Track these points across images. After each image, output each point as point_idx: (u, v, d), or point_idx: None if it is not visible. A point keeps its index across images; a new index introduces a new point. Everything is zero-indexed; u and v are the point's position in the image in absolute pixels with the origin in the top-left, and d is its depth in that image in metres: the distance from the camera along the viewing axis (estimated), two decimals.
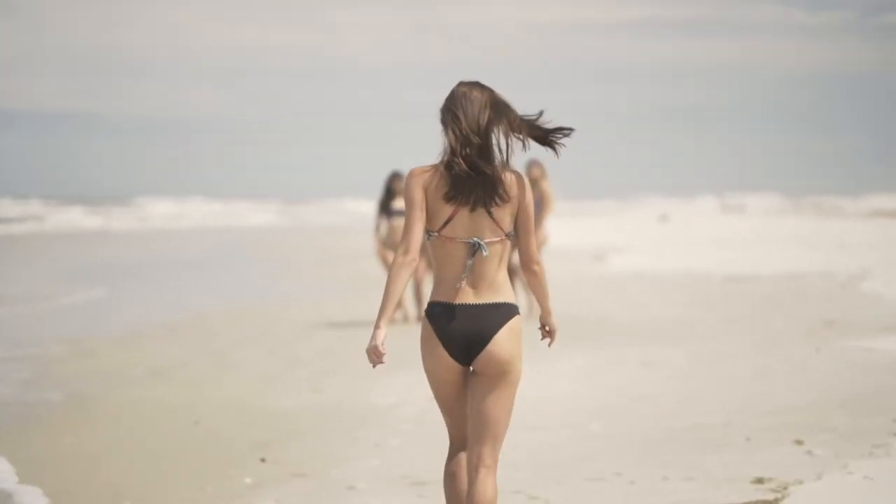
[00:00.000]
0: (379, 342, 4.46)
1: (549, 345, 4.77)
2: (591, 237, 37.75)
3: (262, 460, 7.57)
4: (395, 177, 15.34)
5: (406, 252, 4.48)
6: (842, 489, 6.36)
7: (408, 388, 9.96)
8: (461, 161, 4.46)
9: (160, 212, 65.74)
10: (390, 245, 15.28)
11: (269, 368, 11.45)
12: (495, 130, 4.50)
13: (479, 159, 4.46)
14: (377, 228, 15.38)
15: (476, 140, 4.47)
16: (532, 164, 15.01)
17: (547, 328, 4.69)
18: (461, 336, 4.48)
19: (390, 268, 4.50)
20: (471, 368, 4.55)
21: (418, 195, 4.48)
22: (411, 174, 4.52)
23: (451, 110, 4.52)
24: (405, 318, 14.80)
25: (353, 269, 24.25)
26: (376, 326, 4.47)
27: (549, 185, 15.07)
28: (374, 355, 4.48)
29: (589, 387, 9.81)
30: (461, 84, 4.57)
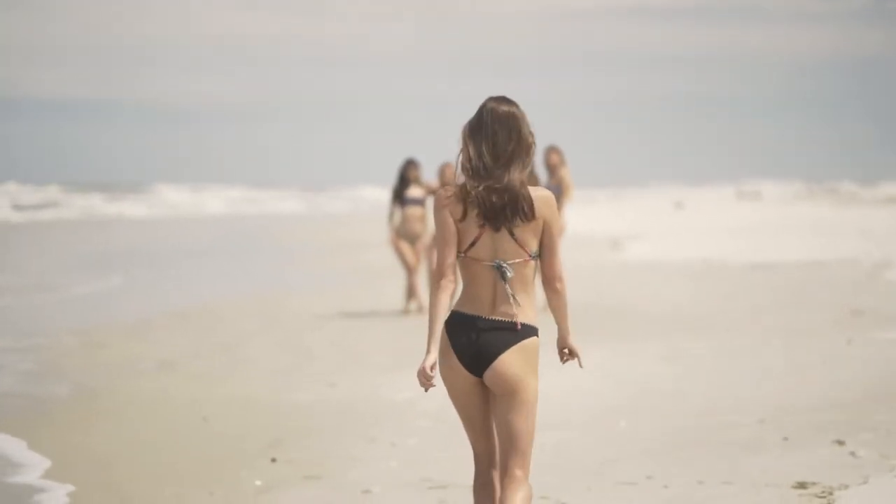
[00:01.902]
0: (427, 366, 4.55)
1: (580, 365, 4.77)
2: (606, 224, 37.33)
3: (273, 460, 7.22)
4: (409, 164, 14.96)
5: (441, 277, 4.56)
6: (891, 493, 5.99)
7: None
8: (481, 179, 4.49)
9: (177, 199, 65.46)
10: (404, 234, 14.91)
11: (281, 361, 11.11)
12: (518, 150, 4.53)
13: (499, 177, 4.49)
14: (391, 217, 15.00)
15: (497, 160, 4.51)
16: (550, 151, 14.63)
17: (567, 351, 4.73)
18: (472, 347, 4.53)
19: (430, 295, 4.59)
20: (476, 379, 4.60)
21: (447, 221, 4.54)
22: (438, 200, 4.56)
23: (475, 128, 4.54)
24: (419, 309, 14.46)
25: (363, 259, 23.92)
26: (427, 351, 4.57)
27: (567, 173, 14.68)
28: (423, 377, 4.57)
29: (613, 382, 9.41)
30: (489, 100, 4.58)
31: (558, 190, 14.39)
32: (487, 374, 4.51)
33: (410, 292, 14.77)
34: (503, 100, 4.60)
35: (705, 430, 7.51)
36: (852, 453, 6.76)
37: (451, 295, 4.56)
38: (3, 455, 7.60)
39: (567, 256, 19.01)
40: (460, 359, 4.53)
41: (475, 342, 4.51)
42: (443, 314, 4.56)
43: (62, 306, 16.07)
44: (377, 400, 9.03)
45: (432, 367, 4.53)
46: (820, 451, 6.86)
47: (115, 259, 24.35)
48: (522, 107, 4.63)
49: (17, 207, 49.16)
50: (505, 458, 4.57)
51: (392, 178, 15.03)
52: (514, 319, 4.50)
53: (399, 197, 14.95)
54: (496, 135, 4.52)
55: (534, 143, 4.59)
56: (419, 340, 13.11)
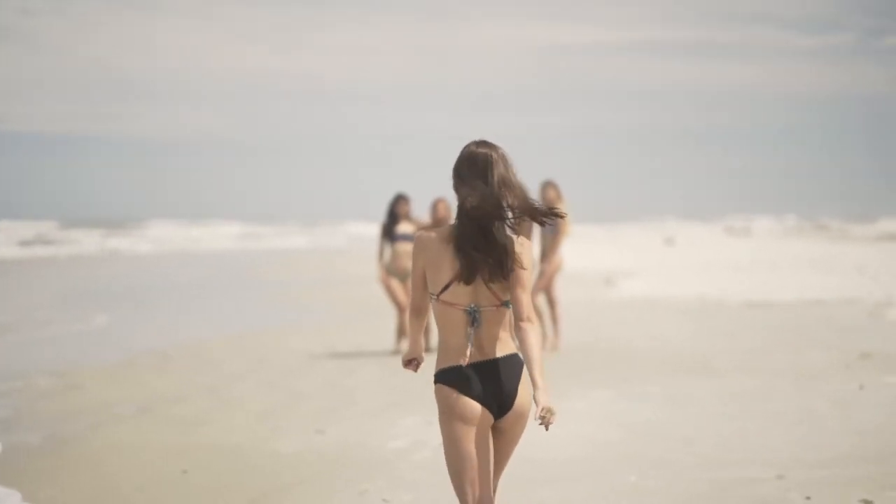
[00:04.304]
0: (405, 358, 4.76)
1: (547, 427, 4.37)
2: (598, 260, 36.91)
3: None
4: (398, 199, 14.53)
5: (415, 310, 4.65)
6: None
7: (419, 429, 9.12)
8: (472, 229, 4.39)
9: (173, 235, 65.19)
10: (393, 271, 14.45)
11: (269, 404, 10.61)
12: (505, 197, 4.39)
13: (489, 228, 4.39)
14: (380, 254, 14.55)
15: (486, 207, 4.36)
16: (547, 186, 14.19)
17: (541, 412, 4.30)
18: (487, 392, 4.44)
19: (409, 322, 4.69)
20: (492, 420, 4.51)
21: (418, 262, 4.52)
22: (416, 238, 4.55)
23: (461, 176, 4.44)
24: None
25: (355, 295, 23.45)
26: (410, 344, 4.79)
27: (564, 209, 14.23)
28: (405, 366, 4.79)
29: (618, 429, 8.92)
30: (470, 145, 4.48)
31: (554, 227, 13.95)
32: (509, 417, 4.46)
33: (401, 331, 14.30)
34: (482, 142, 4.44)
35: (720, 487, 7.00)
36: None
37: (424, 319, 4.65)
38: None
39: (561, 293, 18.32)
40: (477, 398, 4.40)
41: (490, 385, 4.42)
42: (416, 332, 4.69)
43: (40, 346, 15.54)
44: (368, 448, 8.53)
45: (409, 361, 4.74)
46: None
47: (104, 297, 23.83)
48: (505, 149, 4.44)
49: (11, 244, 48.90)
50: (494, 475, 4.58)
51: (382, 214, 14.61)
52: (504, 353, 4.45)
53: (389, 233, 14.51)
54: (476, 179, 4.36)
55: (519, 190, 4.40)
56: (411, 383, 12.55)
